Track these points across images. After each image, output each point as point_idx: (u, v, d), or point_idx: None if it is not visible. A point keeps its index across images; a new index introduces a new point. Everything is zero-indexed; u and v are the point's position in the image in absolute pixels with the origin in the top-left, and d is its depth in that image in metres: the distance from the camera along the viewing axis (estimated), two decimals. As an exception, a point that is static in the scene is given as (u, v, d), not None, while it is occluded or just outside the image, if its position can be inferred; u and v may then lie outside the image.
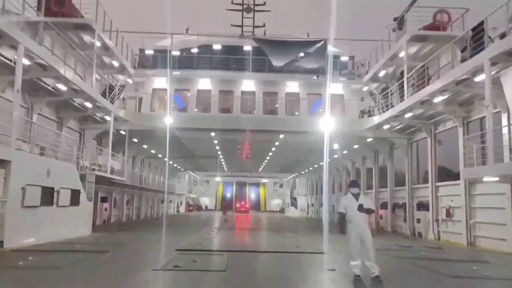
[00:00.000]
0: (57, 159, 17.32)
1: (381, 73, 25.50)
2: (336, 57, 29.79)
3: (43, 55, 14.92)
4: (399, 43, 21.63)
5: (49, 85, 17.80)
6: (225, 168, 56.84)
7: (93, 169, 20.81)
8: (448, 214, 20.47)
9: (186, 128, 25.25)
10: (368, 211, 8.77)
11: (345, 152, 34.32)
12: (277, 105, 27.81)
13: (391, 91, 23.05)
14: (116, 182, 30.33)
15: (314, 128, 24.72)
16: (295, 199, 66.19)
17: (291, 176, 68.67)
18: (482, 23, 15.71)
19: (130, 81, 27.74)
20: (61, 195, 16.14)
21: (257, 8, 37.00)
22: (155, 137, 27.99)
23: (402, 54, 21.74)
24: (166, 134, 24.31)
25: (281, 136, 27.52)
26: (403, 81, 21.62)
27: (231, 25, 37.51)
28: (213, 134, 27.20)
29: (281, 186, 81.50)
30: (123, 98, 28.23)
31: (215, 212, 66.44)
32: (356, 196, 8.88)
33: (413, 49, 21.48)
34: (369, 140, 27.93)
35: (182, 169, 56.39)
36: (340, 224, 8.84)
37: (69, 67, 19.20)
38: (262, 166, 52.94)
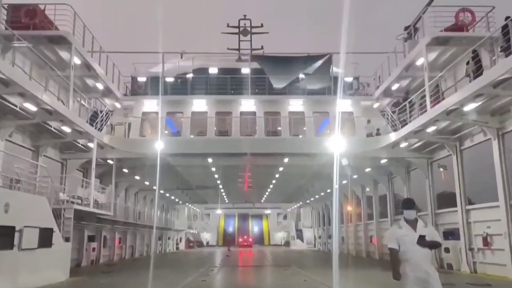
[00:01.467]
0: (22, 191, 14.55)
1: (394, 87, 23.06)
2: (340, 77, 27.58)
3: None
4: (416, 48, 19.24)
5: (16, 106, 15.26)
6: (226, 199, 53.81)
7: (72, 203, 17.99)
8: (486, 243, 17.52)
9: (180, 153, 22.60)
10: (433, 245, 5.98)
11: (355, 176, 31.52)
12: (280, 128, 25.25)
13: (410, 102, 20.50)
14: (105, 218, 27.55)
15: (322, 150, 22.09)
16: (300, 231, 62.74)
17: (295, 206, 65.47)
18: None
19: (118, 105, 25.31)
20: (25, 235, 13.28)
21: (254, 30, 35.08)
22: (147, 166, 25.30)
23: (420, 62, 19.33)
24: (157, 161, 21.62)
25: (286, 160, 24.83)
26: (422, 92, 19.13)
27: (228, 48, 35.54)
28: (210, 160, 24.53)
29: (285, 217, 77.99)
30: (111, 125, 25.75)
31: (217, 248, 62.84)
32: (413, 224, 6.12)
33: (432, 56, 19.07)
34: (383, 161, 25.24)
35: (180, 202, 53.33)
36: (393, 265, 6.02)
37: (38, 84, 16.69)
38: (265, 196, 49.97)
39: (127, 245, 34.31)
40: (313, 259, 33.09)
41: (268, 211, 78.97)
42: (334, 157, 20.80)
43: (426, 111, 18.32)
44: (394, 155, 23.40)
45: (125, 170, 27.55)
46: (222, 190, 42.33)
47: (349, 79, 28.88)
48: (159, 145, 21.45)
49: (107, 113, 25.28)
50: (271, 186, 38.56)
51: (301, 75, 27.59)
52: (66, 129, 18.59)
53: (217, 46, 38.82)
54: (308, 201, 53.56)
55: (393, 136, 21.49)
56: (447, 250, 20.82)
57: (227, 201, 56.41)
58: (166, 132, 25.83)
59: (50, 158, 20.90)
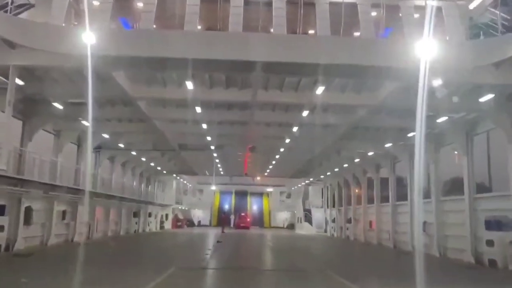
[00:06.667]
0: None
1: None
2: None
3: None
4: None
5: None
6: (221, 170, 43.53)
7: None
8: None
9: (135, 59, 12.12)
10: None
11: (410, 135, 21.23)
12: (312, 31, 14.79)
13: None
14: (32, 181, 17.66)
15: (394, 60, 11.90)
16: (309, 211, 52.62)
17: (302, 184, 55.29)
18: None
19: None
20: None
21: None
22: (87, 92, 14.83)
23: None
24: (88, 69, 11.32)
25: (319, 90, 14.47)
26: None
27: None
28: (190, 85, 14.12)
29: (288, 196, 67.95)
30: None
31: (210, 229, 52.96)
32: None
33: None
34: (483, 100, 14.86)
35: (165, 171, 43.03)
36: None
37: None
38: (269, 168, 39.66)
39: (76, 223, 24.18)
40: (349, 257, 22.48)
41: (269, 189, 68.84)
42: (419, 71, 10.91)
43: None
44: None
45: (58, 106, 17.20)
46: (215, 155, 32.00)
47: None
48: (88, 38, 11.06)
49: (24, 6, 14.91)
50: (281, 150, 28.22)
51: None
52: None
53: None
54: (322, 176, 43.33)
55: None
56: None
57: (222, 173, 46.13)
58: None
59: None
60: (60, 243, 22.13)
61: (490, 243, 16.79)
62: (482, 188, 18.59)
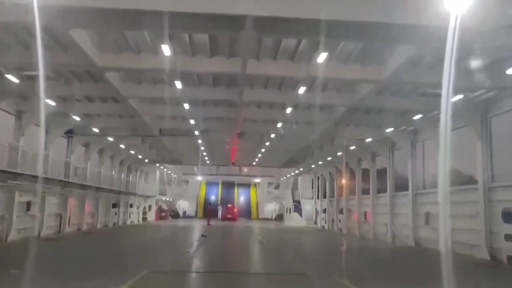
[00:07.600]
0: None
1: None
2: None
3: None
4: None
5: None
6: (207, 160, 41.14)
7: None
8: None
9: (98, 10, 9.64)
10: None
11: (416, 117, 19.15)
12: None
13: None
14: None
15: (414, 16, 9.65)
16: (298, 202, 50.59)
17: (291, 174, 53.30)
18: None
19: None
20: None
21: None
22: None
23: None
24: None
25: (321, 57, 12.16)
26: None
27: None
28: (168, 50, 11.68)
29: (276, 187, 66.08)
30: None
31: (195, 221, 50.69)
32: None
33: None
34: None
35: (147, 160, 40.43)
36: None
37: None
38: (258, 156, 37.35)
39: (44, 214, 21.67)
40: (351, 255, 19.79)
41: (257, 180, 66.84)
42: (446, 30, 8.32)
43: None
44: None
45: (12, 79, 14.59)
46: (200, 141, 29.58)
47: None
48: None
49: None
50: (272, 136, 25.90)
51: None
52: None
53: None
54: (313, 166, 41.17)
55: None
56: None
57: (208, 162, 43.71)
58: None
59: None
60: (24, 238, 19.60)
61: (510, 237, 14.90)
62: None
